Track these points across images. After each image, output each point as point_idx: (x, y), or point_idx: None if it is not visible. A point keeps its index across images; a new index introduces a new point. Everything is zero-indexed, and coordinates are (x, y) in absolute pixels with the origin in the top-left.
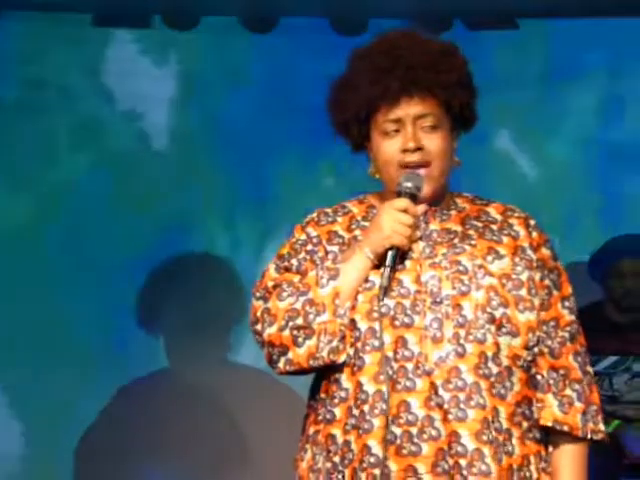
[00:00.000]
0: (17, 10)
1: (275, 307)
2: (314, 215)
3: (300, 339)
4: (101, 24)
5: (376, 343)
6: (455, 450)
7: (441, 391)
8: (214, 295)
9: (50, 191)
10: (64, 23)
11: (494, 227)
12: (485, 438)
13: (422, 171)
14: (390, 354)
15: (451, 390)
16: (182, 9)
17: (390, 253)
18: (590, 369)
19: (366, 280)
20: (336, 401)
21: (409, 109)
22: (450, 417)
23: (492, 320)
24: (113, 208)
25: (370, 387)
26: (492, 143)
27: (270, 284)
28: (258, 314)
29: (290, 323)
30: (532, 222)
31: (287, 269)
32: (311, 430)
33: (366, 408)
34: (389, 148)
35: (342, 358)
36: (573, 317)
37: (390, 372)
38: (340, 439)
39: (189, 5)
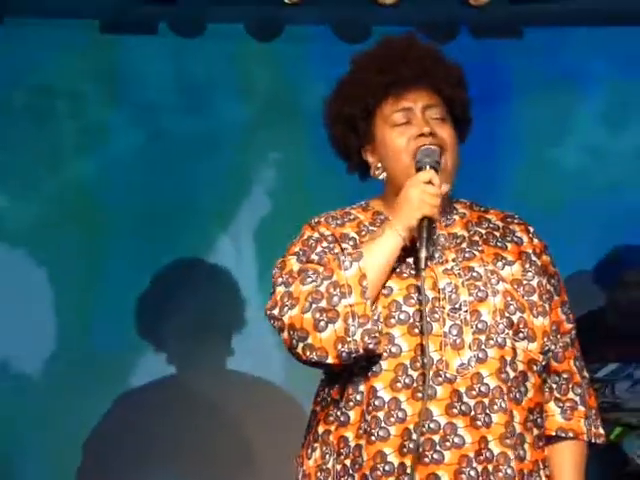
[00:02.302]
0: (25, 17)
1: (297, 290)
2: (322, 218)
3: (322, 323)
4: (109, 31)
5: (393, 349)
6: (484, 456)
7: (466, 398)
8: (215, 302)
9: (57, 195)
10: (72, 30)
11: (497, 233)
12: (508, 442)
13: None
14: (407, 362)
15: (475, 396)
16: (188, 16)
17: (424, 223)
18: (586, 373)
19: (383, 286)
20: (351, 404)
21: (418, 99)
22: (478, 423)
23: (510, 325)
24: (119, 214)
25: (386, 394)
26: (500, 151)
27: (295, 268)
28: (278, 298)
29: (313, 305)
30: (531, 229)
31: (309, 262)
32: (320, 429)
33: (381, 415)
34: (400, 137)
35: (381, 347)
36: (572, 323)
37: (408, 380)
38: (352, 443)
39: (195, 12)
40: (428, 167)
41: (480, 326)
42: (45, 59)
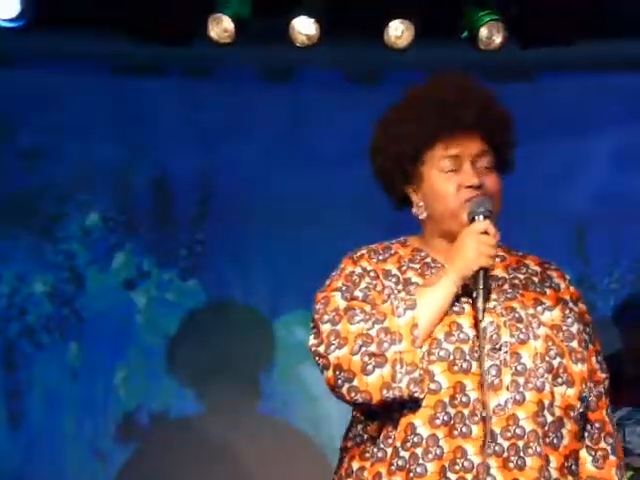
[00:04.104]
0: (35, 58)
1: (346, 330)
2: (364, 251)
3: (370, 366)
4: (120, 72)
5: (433, 386)
6: None
7: (500, 439)
8: (237, 344)
9: (67, 237)
10: (83, 71)
11: (535, 279)
12: None
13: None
14: (447, 399)
15: (509, 438)
16: (199, 57)
17: (480, 274)
18: (615, 425)
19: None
20: (390, 441)
21: (468, 147)
22: (511, 465)
23: (550, 369)
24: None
25: (424, 430)
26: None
27: (342, 306)
28: (324, 336)
29: (363, 349)
30: (567, 276)
31: (353, 298)
32: (355, 465)
33: (419, 451)
34: (448, 183)
35: (423, 394)
36: (605, 373)
37: (446, 417)
38: (385, 478)
39: (206, 54)
40: (482, 217)
41: (520, 368)
42: (54, 99)
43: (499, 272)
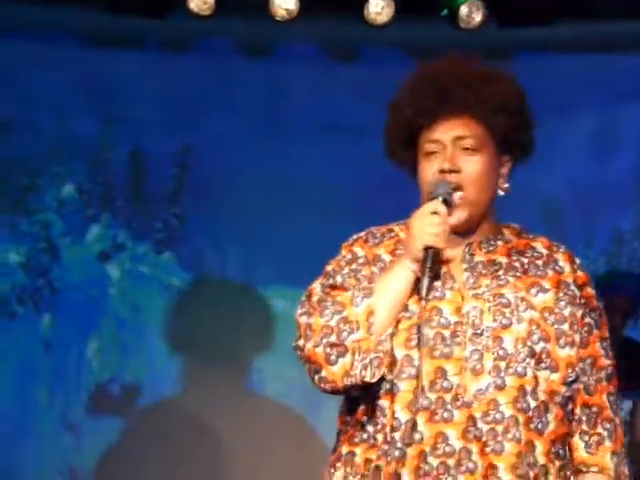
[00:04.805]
0: (5, 30)
1: (316, 323)
2: (362, 234)
3: (333, 357)
4: (94, 44)
5: (412, 371)
6: None
7: (480, 423)
8: (211, 318)
9: (42, 209)
10: (54, 43)
11: (539, 262)
12: (519, 472)
13: (457, 195)
14: (426, 384)
15: (489, 422)
16: (177, 30)
17: (429, 253)
18: (621, 414)
19: (405, 309)
20: (379, 427)
21: (449, 130)
22: (487, 450)
23: (532, 354)
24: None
25: (403, 415)
26: None
27: (315, 299)
28: (302, 330)
29: (324, 340)
30: (577, 260)
31: (332, 287)
32: (344, 449)
33: (397, 436)
34: (428, 169)
35: (375, 378)
36: (610, 359)
37: (426, 402)
38: (373, 464)
39: (183, 27)
40: (440, 198)
41: (501, 353)
42: (25, 72)
43: (498, 257)
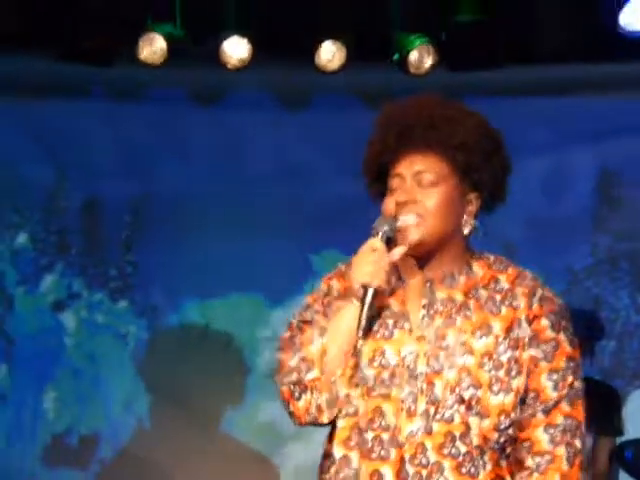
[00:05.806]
0: None
1: (284, 361)
2: (342, 267)
3: (297, 393)
4: (44, 92)
5: (351, 410)
6: None
7: (407, 465)
8: (168, 365)
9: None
10: (3, 91)
11: (498, 297)
12: None
13: (412, 219)
14: (363, 423)
15: (416, 466)
16: (126, 78)
17: (368, 292)
18: (577, 442)
19: (354, 347)
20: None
21: (410, 165)
22: None
23: (461, 401)
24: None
25: (338, 451)
26: None
27: (287, 335)
28: (276, 366)
29: (285, 379)
30: (539, 293)
31: (304, 321)
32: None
33: (333, 470)
34: (389, 202)
35: (324, 419)
36: (558, 391)
37: (360, 440)
38: None
39: (135, 77)
40: (380, 235)
41: (432, 398)
42: None
43: (456, 294)
